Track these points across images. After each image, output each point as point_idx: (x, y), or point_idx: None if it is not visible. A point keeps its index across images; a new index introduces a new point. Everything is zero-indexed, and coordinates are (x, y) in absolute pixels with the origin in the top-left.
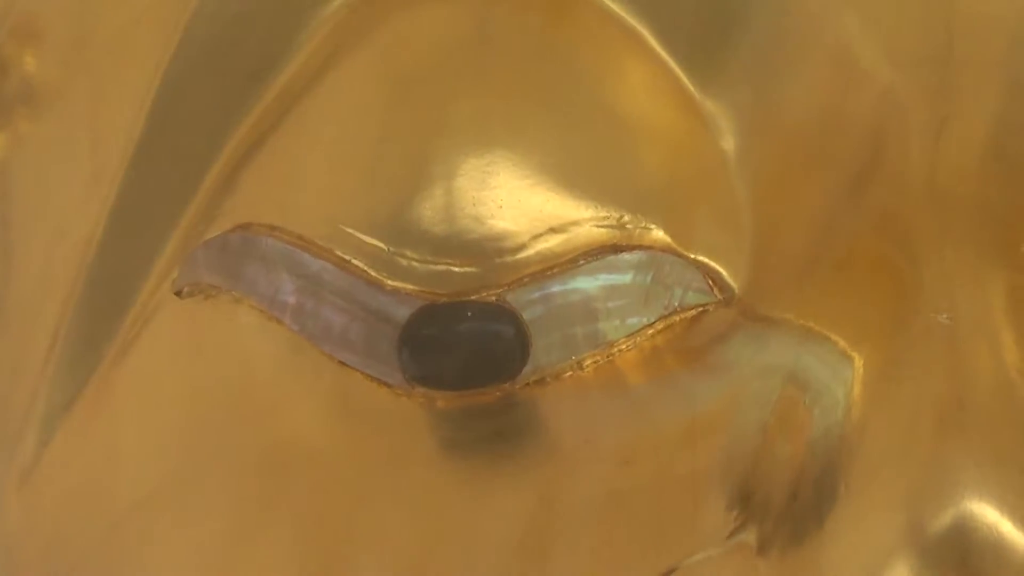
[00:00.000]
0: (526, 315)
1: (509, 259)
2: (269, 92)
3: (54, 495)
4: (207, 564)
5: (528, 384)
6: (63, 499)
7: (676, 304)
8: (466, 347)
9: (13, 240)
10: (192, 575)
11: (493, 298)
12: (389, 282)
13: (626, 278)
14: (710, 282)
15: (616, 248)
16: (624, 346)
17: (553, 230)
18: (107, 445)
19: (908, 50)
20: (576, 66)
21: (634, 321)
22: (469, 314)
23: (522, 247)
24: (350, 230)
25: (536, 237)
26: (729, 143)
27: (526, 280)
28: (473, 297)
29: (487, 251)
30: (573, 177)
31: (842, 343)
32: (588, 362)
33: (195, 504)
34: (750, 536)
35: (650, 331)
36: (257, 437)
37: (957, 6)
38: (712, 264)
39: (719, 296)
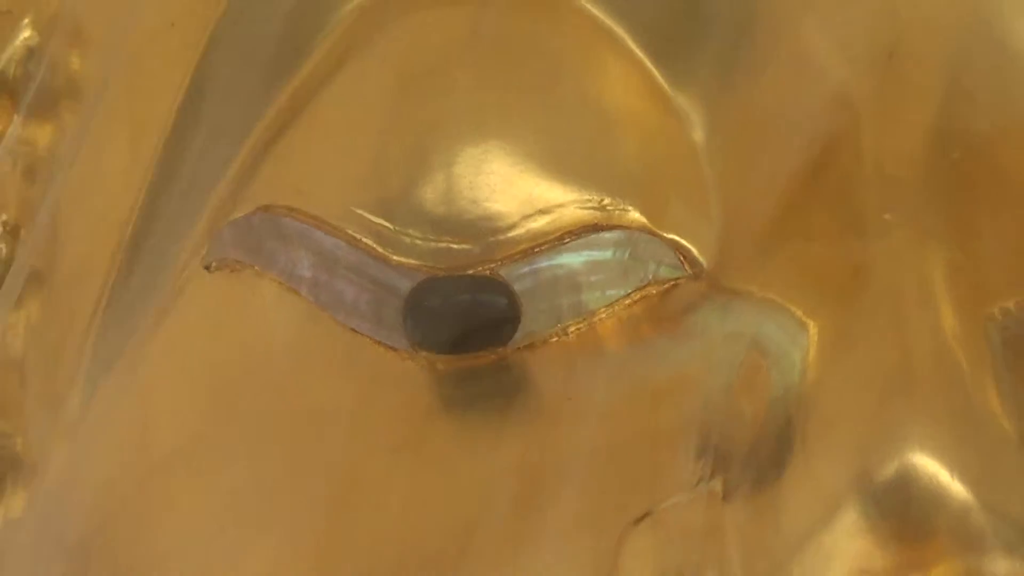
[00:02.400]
0: (517, 287)
1: (502, 237)
2: (287, 88)
3: (96, 446)
4: (232, 509)
5: (519, 348)
6: (104, 450)
7: (651, 277)
8: (463, 315)
9: (60, 221)
10: (219, 519)
11: (487, 272)
12: (395, 257)
13: (607, 254)
14: (681, 258)
15: (597, 228)
16: (604, 315)
17: (541, 211)
18: (143, 402)
19: (860, 50)
20: (561, 64)
21: (613, 293)
22: (466, 286)
23: (513, 226)
24: (360, 211)
25: (526, 217)
26: (698, 134)
27: (517, 256)
28: (469, 271)
29: (482, 230)
30: (559, 164)
31: (799, 312)
32: (572, 329)
33: (221, 456)
34: (716, 484)
35: (627, 301)
36: (276, 396)
37: (904, 11)
38: (683, 242)
39: (689, 270)
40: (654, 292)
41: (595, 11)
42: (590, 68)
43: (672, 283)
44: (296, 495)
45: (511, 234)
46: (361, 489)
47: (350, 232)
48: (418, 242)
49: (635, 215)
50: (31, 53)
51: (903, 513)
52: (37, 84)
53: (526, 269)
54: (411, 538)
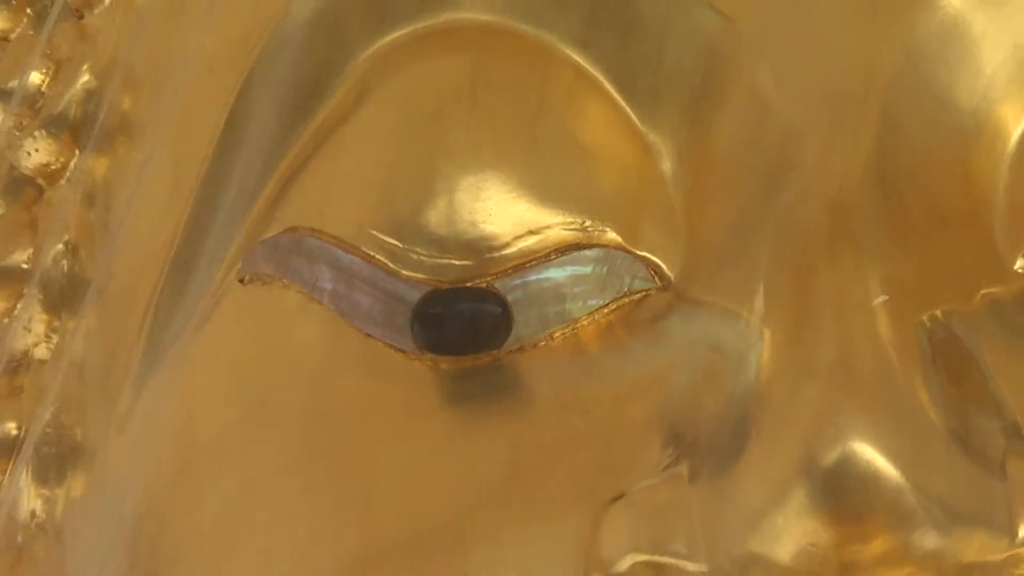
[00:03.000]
0: (510, 298)
1: (496, 255)
2: (309, 128)
3: (146, 435)
4: (264, 487)
5: (511, 351)
6: (153, 438)
7: (626, 289)
8: (463, 322)
9: (114, 242)
10: (253, 495)
11: (484, 284)
12: (404, 272)
13: (587, 269)
14: (652, 272)
15: (580, 246)
16: (586, 322)
17: (531, 232)
18: (186, 397)
19: (806, 93)
20: (548, 105)
21: (593, 302)
22: (465, 297)
23: (506, 245)
24: (373, 232)
25: (517, 238)
26: (667, 165)
27: (510, 271)
28: (468, 284)
29: (479, 248)
30: (546, 191)
31: (755, 320)
32: (558, 334)
33: (254, 442)
34: (682, 468)
35: (606, 310)
36: (300, 392)
37: (844, 60)
38: (653, 259)
39: (659, 283)
40: (628, 302)
41: (578, 59)
42: (573, 108)
43: (644, 294)
44: (317, 476)
45: (504, 252)
46: (374, 471)
47: (365, 250)
48: (424, 259)
49: (612, 235)
50: (89, 96)
51: (845, 494)
52: (96, 123)
53: (518, 282)
54: (417, 513)
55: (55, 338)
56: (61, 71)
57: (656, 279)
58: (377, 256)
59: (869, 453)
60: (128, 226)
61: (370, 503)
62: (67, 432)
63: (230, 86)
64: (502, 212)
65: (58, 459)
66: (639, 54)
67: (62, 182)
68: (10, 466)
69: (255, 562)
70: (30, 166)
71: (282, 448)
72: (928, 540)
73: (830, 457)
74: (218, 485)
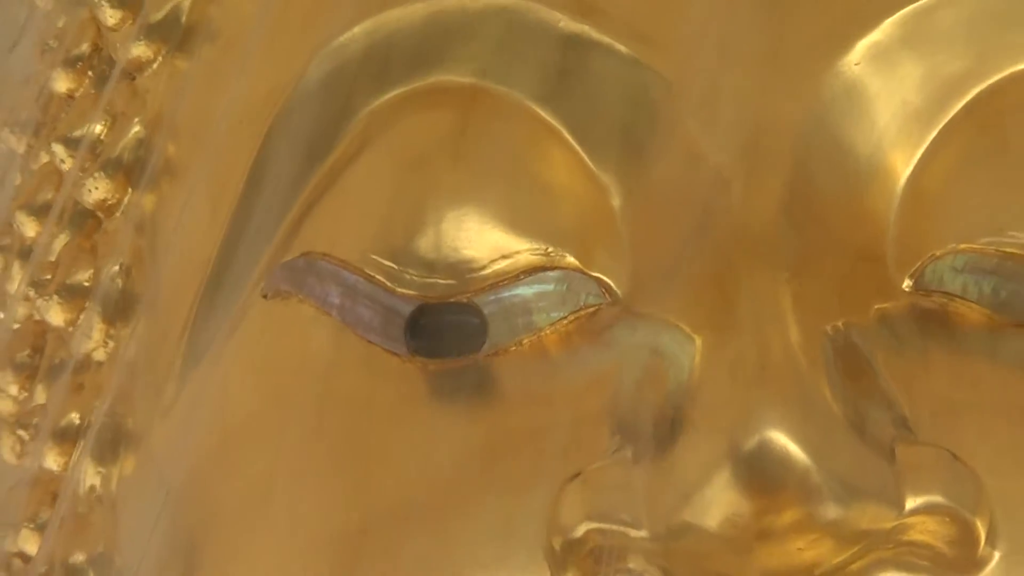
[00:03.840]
0: (486, 311)
1: (475, 275)
2: (320, 171)
3: (187, 423)
4: (284, 466)
5: (487, 355)
6: (192, 425)
7: (582, 304)
8: (447, 331)
9: (160, 264)
10: (275, 472)
11: (465, 300)
12: (399, 290)
13: (550, 287)
14: (604, 290)
15: (544, 268)
16: (548, 331)
17: (504, 256)
18: (220, 391)
19: (731, 144)
20: (518, 152)
21: (555, 315)
22: (449, 310)
23: (484, 268)
24: (374, 256)
25: (493, 261)
26: (616, 202)
27: (486, 288)
28: (452, 299)
29: (461, 271)
30: (516, 223)
31: (688, 329)
32: (525, 341)
33: (275, 429)
34: (628, 452)
35: (565, 321)
36: (313, 388)
37: (764, 116)
38: (605, 279)
39: (609, 299)
40: (584, 314)
41: (543, 114)
42: (538, 155)
43: (596, 308)
44: (326, 456)
45: (482, 273)
46: (372, 452)
47: (367, 271)
48: (415, 279)
49: (571, 259)
50: (140, 143)
51: (762, 474)
52: (146, 166)
53: (492, 298)
54: (408, 487)
55: (111, 344)
56: (117, 123)
57: (607, 296)
58: (377, 276)
59: (782, 440)
60: (172, 251)
61: (369, 478)
62: (120, 420)
63: (256, 136)
64: (480, 240)
65: (113, 443)
66: (593, 109)
67: (117, 214)
68: (75, 450)
69: (276, 526)
70: (91, 201)
71: (298, 433)
72: (830, 511)
73: (750, 443)
74: (246, 463)
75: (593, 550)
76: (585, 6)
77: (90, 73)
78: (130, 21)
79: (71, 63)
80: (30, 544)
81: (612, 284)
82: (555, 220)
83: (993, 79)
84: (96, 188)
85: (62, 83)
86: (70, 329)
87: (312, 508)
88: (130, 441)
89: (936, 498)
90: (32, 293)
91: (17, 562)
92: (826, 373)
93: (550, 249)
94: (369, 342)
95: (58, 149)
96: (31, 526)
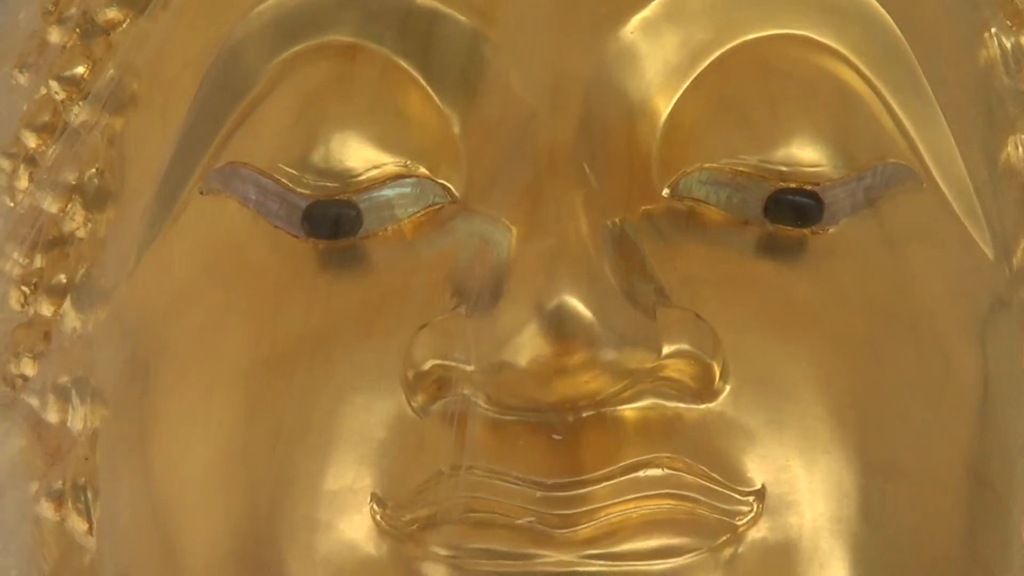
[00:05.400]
0: (361, 206)
1: (354, 180)
2: (242, 104)
3: (142, 284)
4: (210, 319)
5: (361, 238)
6: (146, 287)
7: (431, 202)
8: (333, 219)
9: (127, 169)
10: (202, 321)
11: (346, 198)
12: (298, 189)
13: (408, 190)
14: (447, 193)
15: (404, 176)
16: (406, 221)
17: (375, 167)
18: (164, 263)
19: (538, 87)
20: (383, 90)
21: (411, 210)
22: (334, 205)
23: (360, 175)
24: (281, 165)
25: (367, 170)
26: (456, 129)
27: (361, 190)
28: (336, 198)
29: (344, 177)
30: (384, 144)
31: (507, 222)
32: (390, 228)
33: (203, 290)
34: (463, 309)
35: (419, 215)
36: (234, 259)
37: (563, 67)
38: (448, 184)
39: (451, 199)
40: (433, 210)
41: (403, 63)
42: (400, 92)
43: (441, 206)
44: (241, 311)
45: (358, 179)
46: (275, 308)
47: (275, 176)
48: (310, 182)
49: (423, 170)
50: (111, 81)
51: (559, 326)
52: (117, 97)
53: (366, 197)
54: (302, 333)
55: (89, 225)
56: (96, 67)
57: (449, 197)
58: (282, 180)
59: (574, 302)
60: (134, 160)
61: (274, 325)
62: (95, 281)
63: (196, 78)
64: (357, 156)
65: (89, 297)
66: (441, 62)
67: (95, 132)
68: (63, 301)
69: (206, 359)
70: (76, 122)
71: (221, 293)
72: (608, 354)
73: (551, 304)
74: (185, 314)
75: (436, 380)
76: None
77: (77, 30)
78: None
79: (63, 22)
80: (29, 368)
81: (453, 188)
82: (412, 142)
83: (729, 45)
84: (79, 112)
85: (56, 36)
86: (60, 214)
87: (231, 347)
88: (102, 296)
89: (684, 346)
90: (33, 188)
91: (19, 381)
92: (607, 255)
93: (408, 162)
94: (276, 227)
95: (53, 84)
96: (30, 355)
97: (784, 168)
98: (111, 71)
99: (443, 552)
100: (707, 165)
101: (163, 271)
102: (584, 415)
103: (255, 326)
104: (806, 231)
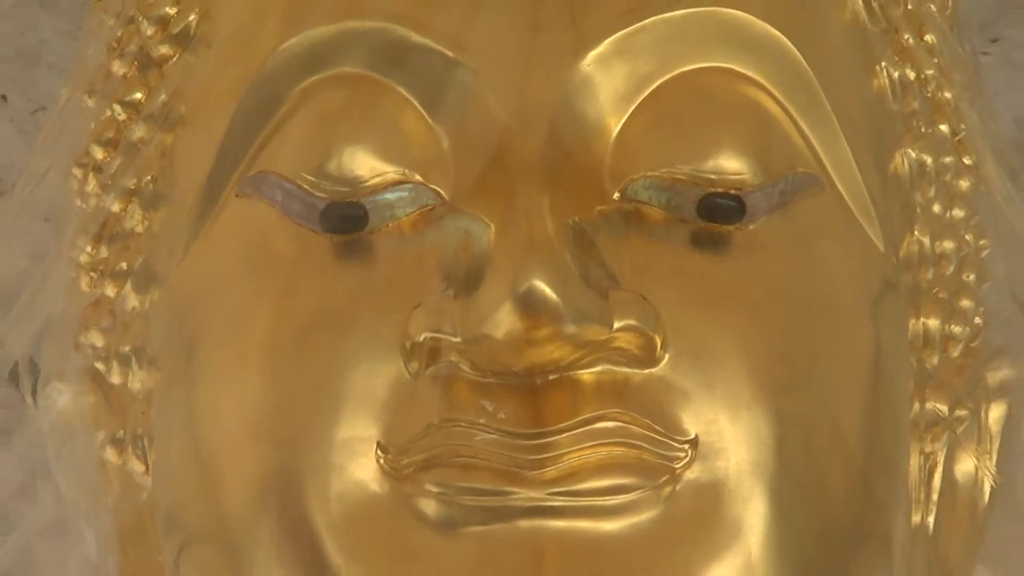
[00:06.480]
0: (368, 207)
1: (361, 186)
2: (271, 124)
3: (189, 272)
4: (242, 300)
5: (368, 233)
6: (192, 273)
7: (424, 204)
8: (345, 218)
9: (176, 175)
10: (236, 302)
11: (356, 200)
12: (316, 193)
13: (405, 194)
14: (438, 196)
15: (402, 183)
16: (404, 219)
17: (378, 175)
18: (209, 253)
19: (513, 110)
20: (385, 112)
21: (408, 210)
22: (345, 207)
23: (366, 182)
24: (302, 173)
25: (372, 178)
26: (445, 144)
27: (367, 194)
28: (347, 200)
29: (353, 183)
30: (386, 156)
31: (487, 220)
32: (391, 225)
33: (238, 277)
34: (450, 292)
35: (415, 214)
36: (264, 250)
37: (532, 93)
38: (439, 189)
39: (441, 201)
40: (426, 210)
41: (401, 90)
42: (399, 114)
43: (433, 207)
44: (266, 295)
45: (365, 185)
46: (295, 293)
47: (297, 182)
48: (326, 187)
49: (418, 178)
50: (164, 105)
51: (530, 305)
52: (168, 118)
53: (371, 199)
54: (317, 312)
55: (146, 223)
56: (151, 93)
57: (439, 199)
58: (303, 185)
59: (542, 286)
60: (183, 169)
61: (292, 306)
62: (151, 268)
63: (232, 102)
64: (364, 166)
65: (146, 281)
66: (431, 88)
67: (151, 146)
68: (124, 284)
69: (238, 335)
70: (134, 139)
71: (251, 280)
72: (569, 329)
73: (523, 287)
74: (223, 295)
75: (428, 349)
76: (420, 24)
77: (135, 63)
78: (161, 32)
79: (124, 56)
80: (98, 339)
81: (442, 192)
82: (409, 154)
83: (667, 76)
84: (137, 130)
85: (118, 68)
86: (122, 213)
87: (259, 323)
88: (156, 280)
89: (632, 321)
90: (100, 192)
91: (90, 350)
92: (568, 248)
93: (406, 171)
94: (298, 224)
95: (116, 107)
96: (98, 328)
97: (713, 176)
98: (163, 96)
99: (435, 489)
100: (650, 173)
101: (206, 261)
102: (550, 378)
103: (280, 306)
104: (731, 228)
